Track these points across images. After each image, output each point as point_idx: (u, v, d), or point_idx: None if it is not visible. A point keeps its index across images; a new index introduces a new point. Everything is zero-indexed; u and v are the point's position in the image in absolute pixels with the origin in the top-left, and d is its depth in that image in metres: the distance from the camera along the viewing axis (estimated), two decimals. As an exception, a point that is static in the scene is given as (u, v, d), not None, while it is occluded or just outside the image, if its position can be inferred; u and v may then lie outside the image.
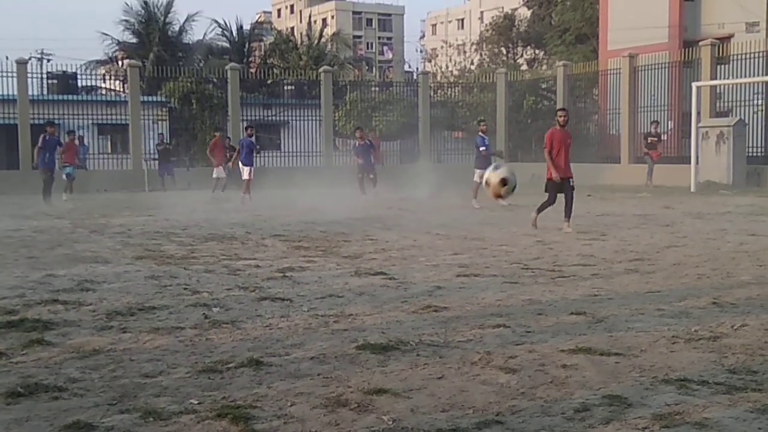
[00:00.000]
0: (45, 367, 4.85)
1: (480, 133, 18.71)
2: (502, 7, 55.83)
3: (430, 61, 56.42)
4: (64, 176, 22.28)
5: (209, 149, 24.62)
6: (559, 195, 12.69)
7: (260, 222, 14.78)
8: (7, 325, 5.91)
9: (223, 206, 18.89)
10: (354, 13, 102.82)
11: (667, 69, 27.34)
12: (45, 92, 31.64)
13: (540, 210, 12.85)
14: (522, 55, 49.87)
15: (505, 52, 49.37)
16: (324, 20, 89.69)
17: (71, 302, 6.84)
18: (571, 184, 12.76)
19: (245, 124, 24.96)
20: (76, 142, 24.69)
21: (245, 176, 20.47)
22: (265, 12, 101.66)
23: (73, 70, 33.11)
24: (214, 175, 23.65)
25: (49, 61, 46.40)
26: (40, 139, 20.00)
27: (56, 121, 22.96)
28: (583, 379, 4.51)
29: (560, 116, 13.09)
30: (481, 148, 18.35)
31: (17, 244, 11.39)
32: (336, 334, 5.70)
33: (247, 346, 5.34)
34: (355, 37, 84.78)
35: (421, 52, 76.36)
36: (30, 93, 28.03)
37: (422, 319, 6.16)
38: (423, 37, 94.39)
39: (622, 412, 3.95)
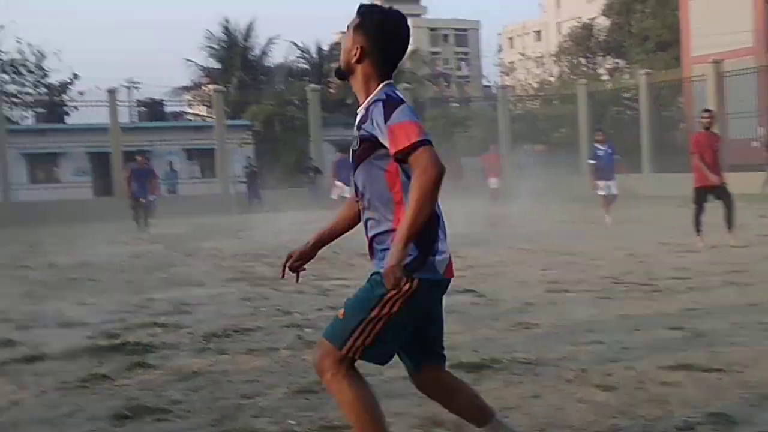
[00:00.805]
0: (148, 389, 5.00)
1: (596, 144, 17.85)
2: (580, 17, 55.13)
3: (508, 75, 55.98)
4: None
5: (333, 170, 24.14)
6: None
7: (347, 241, 14.87)
8: (110, 349, 6.12)
9: (309, 227, 19.11)
10: (430, 29, 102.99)
11: (755, 74, 26.55)
12: (134, 119, 32.74)
13: (698, 227, 11.79)
14: (602, 65, 49.14)
15: (584, 62, 48.71)
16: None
17: (170, 325, 7.04)
18: (726, 189, 11.76)
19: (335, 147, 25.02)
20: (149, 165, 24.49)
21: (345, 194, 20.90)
22: (342, 33, 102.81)
23: (161, 98, 34.24)
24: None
25: (137, 89, 47.85)
26: (128, 169, 20.52)
27: (147, 149, 23.44)
28: (684, 396, 4.41)
29: (704, 118, 12.21)
30: (590, 161, 17.80)
31: (116, 269, 11.79)
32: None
33: (341, 366, 5.39)
34: (432, 53, 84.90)
35: (498, 66, 76.07)
36: (120, 121, 28.99)
37: (514, 337, 6.12)
38: (500, 50, 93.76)
39: (728, 430, 3.85)
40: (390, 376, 5.08)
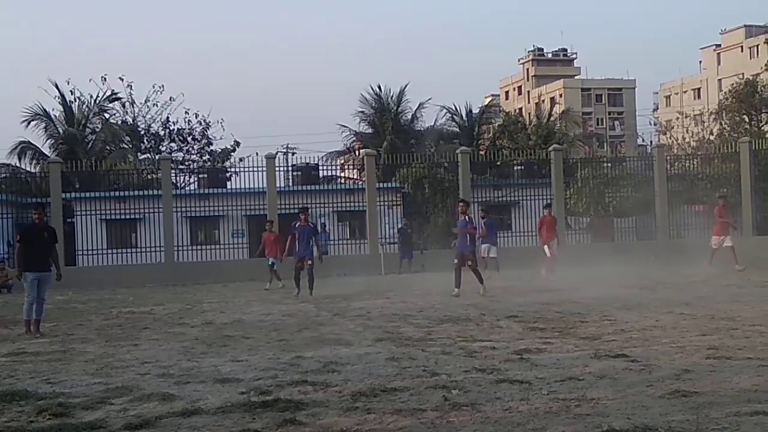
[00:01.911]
0: (297, 446, 5.09)
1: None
2: (743, 74, 53.15)
3: (664, 134, 54.42)
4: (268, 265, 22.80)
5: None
6: None
7: (494, 303, 14.78)
8: (262, 405, 6.28)
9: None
10: (583, 90, 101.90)
11: None
12: (290, 184, 33.95)
13: None
14: (767, 122, 46.98)
15: (747, 119, 46.74)
16: (552, 99, 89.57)
17: (319, 383, 7.16)
18: None
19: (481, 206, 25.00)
20: (275, 230, 23.95)
21: (492, 254, 21.38)
22: (493, 95, 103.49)
23: (315, 162, 35.37)
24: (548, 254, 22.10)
25: (293, 154, 49.86)
26: (293, 228, 18.64)
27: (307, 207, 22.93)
28: None
29: None
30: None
31: (268, 328, 12.14)
32: (578, 418, 5.54)
33: (488, 429, 5.32)
34: (584, 113, 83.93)
35: (654, 124, 73.90)
36: (277, 185, 30.12)
37: (670, 405, 5.84)
38: (656, 109, 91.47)
39: None
40: None
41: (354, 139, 44.15)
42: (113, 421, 5.94)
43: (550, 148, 32.26)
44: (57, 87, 39.74)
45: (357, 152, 43.19)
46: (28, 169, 38.05)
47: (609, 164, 35.44)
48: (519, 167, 34.62)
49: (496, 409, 5.92)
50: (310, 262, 17.71)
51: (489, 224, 21.53)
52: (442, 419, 5.66)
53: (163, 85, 47.86)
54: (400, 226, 29.41)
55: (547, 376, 7.17)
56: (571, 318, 11.73)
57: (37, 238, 12.51)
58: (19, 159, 38.76)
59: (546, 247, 21.86)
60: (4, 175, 35.61)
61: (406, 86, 43.59)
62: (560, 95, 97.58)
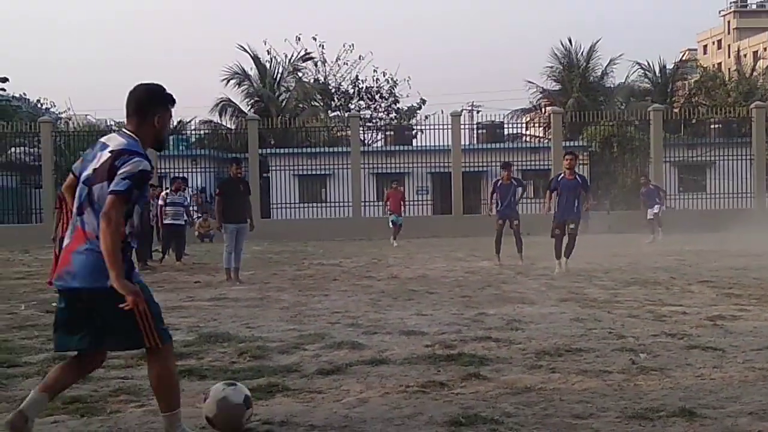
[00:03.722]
0: (482, 400, 5.19)
1: None
2: None
3: None
4: (390, 224, 23.38)
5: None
6: None
7: (685, 267, 14.22)
8: (446, 359, 6.42)
9: (646, 250, 18.52)
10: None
11: None
12: (474, 142, 33.91)
13: None
14: None
15: None
16: (755, 53, 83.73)
17: (502, 340, 7.22)
18: None
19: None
20: (401, 189, 24.64)
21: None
22: (690, 49, 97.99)
23: (500, 120, 35.02)
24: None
25: (478, 112, 49.51)
26: (493, 185, 16.98)
27: (484, 170, 23.29)
28: None
29: None
30: None
31: (452, 284, 12.31)
32: (777, 389, 5.29)
33: (678, 395, 5.19)
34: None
35: None
36: (462, 143, 30.19)
37: None
38: None
39: None
40: (732, 411, 4.79)
41: (541, 96, 43.29)
42: (307, 366, 6.28)
43: (752, 105, 30.36)
44: (246, 49, 41.34)
45: (543, 110, 42.36)
46: (227, 125, 40.12)
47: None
48: (716, 126, 32.77)
49: (686, 375, 5.76)
50: (516, 222, 15.88)
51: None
52: (630, 382, 5.57)
53: (353, 44, 48.82)
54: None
55: (742, 344, 6.87)
56: (771, 285, 11.12)
57: (234, 191, 13.26)
58: (220, 116, 40.93)
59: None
60: (207, 131, 37.76)
61: (597, 42, 42.11)
62: (765, 49, 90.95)
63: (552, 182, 14.62)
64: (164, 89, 4.32)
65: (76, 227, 4.12)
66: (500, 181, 16.26)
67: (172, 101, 4.32)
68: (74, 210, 4.17)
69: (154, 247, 17.49)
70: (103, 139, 4.28)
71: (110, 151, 4.10)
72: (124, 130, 4.26)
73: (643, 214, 23.13)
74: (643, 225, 22.82)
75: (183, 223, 17.41)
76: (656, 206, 22.15)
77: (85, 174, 4.17)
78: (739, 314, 8.56)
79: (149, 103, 4.23)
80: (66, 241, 4.18)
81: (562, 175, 13.91)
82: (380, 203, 29.94)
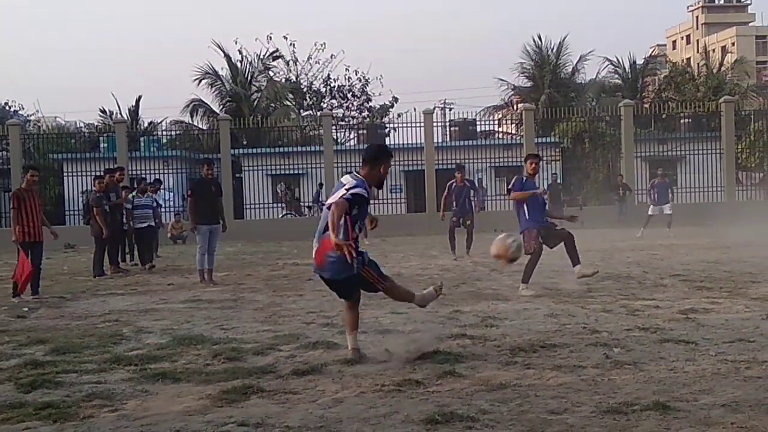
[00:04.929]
0: (458, 397, 5.20)
1: None
2: None
3: None
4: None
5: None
6: None
7: (657, 261, 14.34)
8: (422, 357, 6.42)
9: (619, 245, 18.64)
10: (757, 37, 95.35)
11: None
12: (447, 139, 33.97)
13: None
14: None
15: None
16: (723, 48, 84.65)
17: (477, 337, 7.24)
18: None
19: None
20: None
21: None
22: (659, 45, 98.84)
23: (473, 117, 35.11)
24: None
25: (451, 110, 49.52)
26: (447, 188, 17.39)
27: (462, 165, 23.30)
28: None
29: None
30: None
31: (426, 282, 12.28)
32: (749, 381, 5.35)
33: (651, 388, 5.23)
34: (758, 62, 78.81)
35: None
36: (434, 140, 30.22)
37: None
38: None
39: None
40: (705, 403, 4.84)
41: (512, 93, 43.44)
42: (282, 367, 6.25)
43: (721, 100, 30.68)
44: (220, 48, 41.13)
45: (515, 106, 42.53)
46: (199, 126, 39.84)
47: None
48: (686, 120, 33.10)
49: (660, 368, 5.81)
50: (469, 222, 16.68)
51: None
52: (604, 377, 5.61)
53: (324, 43, 48.66)
54: (549, 182, 28.88)
55: (714, 337, 6.94)
56: (741, 278, 11.25)
57: (207, 192, 13.19)
58: (191, 116, 40.61)
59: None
60: (178, 132, 37.49)
61: (565, 38, 42.37)
62: (732, 44, 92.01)
63: (515, 183, 13.80)
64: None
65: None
66: (454, 183, 16.78)
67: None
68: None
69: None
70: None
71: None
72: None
73: (644, 206, 23.07)
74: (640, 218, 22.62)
75: (152, 225, 17.14)
76: (668, 205, 21.81)
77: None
78: (711, 307, 8.65)
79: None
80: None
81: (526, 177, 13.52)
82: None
